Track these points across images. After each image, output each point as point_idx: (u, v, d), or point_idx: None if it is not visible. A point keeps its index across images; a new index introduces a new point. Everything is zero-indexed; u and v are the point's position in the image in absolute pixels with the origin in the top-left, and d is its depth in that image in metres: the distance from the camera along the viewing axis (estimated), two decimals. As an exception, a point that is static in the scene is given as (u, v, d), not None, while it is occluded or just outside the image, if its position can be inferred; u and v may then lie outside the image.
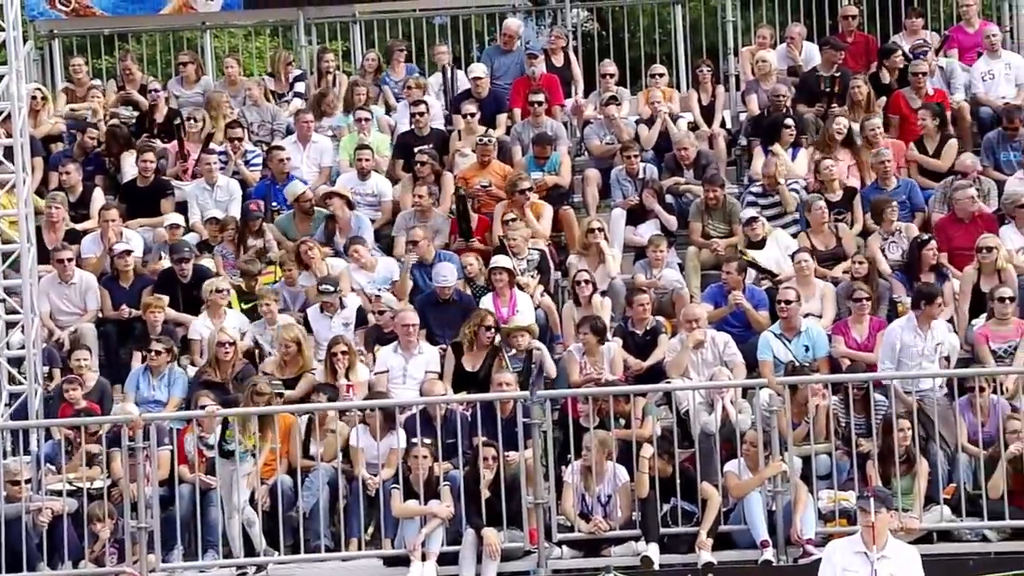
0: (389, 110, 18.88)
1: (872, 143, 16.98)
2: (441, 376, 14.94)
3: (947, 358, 14.36)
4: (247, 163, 18.00)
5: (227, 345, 14.96)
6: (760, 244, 16.13)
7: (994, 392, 13.88)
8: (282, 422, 13.92)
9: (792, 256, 15.81)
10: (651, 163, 17.55)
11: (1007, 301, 14.74)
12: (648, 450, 13.35)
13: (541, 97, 18.02)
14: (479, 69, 18.69)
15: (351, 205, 16.91)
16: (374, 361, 15.25)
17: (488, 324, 14.91)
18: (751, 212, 16.40)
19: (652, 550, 13.16)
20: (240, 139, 18.01)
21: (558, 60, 19.09)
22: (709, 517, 13.26)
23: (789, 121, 17.32)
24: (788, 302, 14.81)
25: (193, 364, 15.45)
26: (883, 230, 16.07)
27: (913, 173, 17.14)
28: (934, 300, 14.47)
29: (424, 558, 13.28)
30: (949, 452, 13.74)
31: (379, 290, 16.00)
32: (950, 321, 14.99)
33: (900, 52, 18.21)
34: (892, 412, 13.56)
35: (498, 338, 14.95)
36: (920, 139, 17.25)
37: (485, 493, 13.39)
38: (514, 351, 14.85)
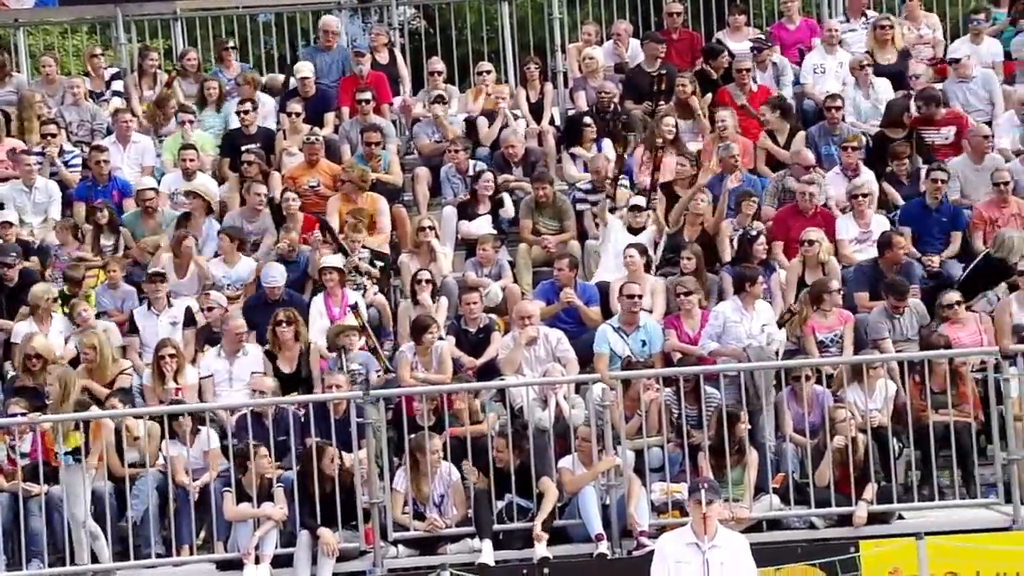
0: (219, 107, 18.58)
1: (722, 137, 17.17)
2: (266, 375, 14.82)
3: (775, 350, 14.58)
4: (67, 164, 17.59)
5: (33, 358, 14.65)
6: (639, 231, 16.18)
7: (818, 383, 14.12)
8: (100, 430, 13.67)
9: (624, 252, 15.92)
10: (483, 160, 17.55)
11: (835, 293, 14.98)
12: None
13: (368, 95, 17.90)
14: (305, 68, 18.50)
15: (211, 207, 16.65)
16: (205, 362, 15.11)
17: (280, 319, 14.84)
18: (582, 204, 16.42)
19: (486, 547, 13.16)
20: (54, 136, 17.57)
21: (383, 58, 18.98)
22: (544, 511, 13.29)
23: (588, 120, 17.41)
24: (631, 297, 14.89)
25: (15, 370, 15.10)
26: (737, 222, 16.25)
27: (759, 166, 17.36)
28: (756, 281, 14.73)
29: (258, 561, 13.15)
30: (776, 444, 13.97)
31: (235, 288, 15.86)
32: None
33: (725, 51, 18.46)
34: (723, 404, 13.73)
35: (315, 339, 14.85)
36: (771, 133, 17.48)
37: (321, 493, 13.29)
38: (345, 350, 14.74)
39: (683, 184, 16.51)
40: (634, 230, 16.15)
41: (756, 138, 17.49)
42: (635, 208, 16.23)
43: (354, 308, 14.97)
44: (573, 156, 17.57)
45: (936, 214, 16.19)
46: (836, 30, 18.67)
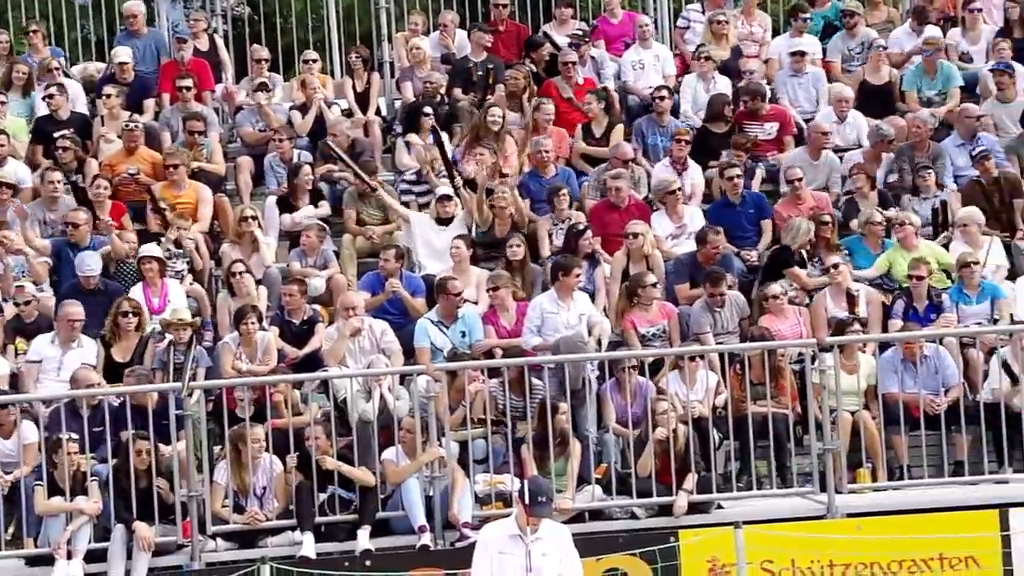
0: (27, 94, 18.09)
1: (538, 130, 17.20)
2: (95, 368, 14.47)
3: (597, 339, 14.68)
4: None
5: None
6: (448, 221, 16.08)
7: (641, 375, 14.22)
8: None
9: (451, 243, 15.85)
10: (305, 150, 17.37)
11: (652, 287, 15.11)
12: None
13: (189, 82, 17.64)
14: (123, 53, 18.12)
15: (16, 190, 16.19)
16: (16, 354, 14.66)
17: (125, 310, 14.55)
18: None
19: (308, 539, 13.02)
20: None
21: (204, 45, 18.68)
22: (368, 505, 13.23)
23: (428, 109, 17.37)
24: (456, 294, 14.85)
25: None
26: (554, 216, 16.28)
27: (575, 159, 17.42)
28: (571, 272, 14.80)
29: (70, 556, 12.82)
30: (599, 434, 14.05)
31: (22, 275, 15.41)
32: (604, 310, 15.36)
33: (548, 43, 18.51)
34: (547, 395, 13.76)
35: (149, 328, 14.57)
36: (588, 125, 17.55)
37: (137, 486, 13.02)
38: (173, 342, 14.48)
39: (491, 175, 16.51)
40: (443, 220, 16.08)
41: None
42: (443, 198, 16.18)
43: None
44: (408, 145, 17.41)
45: (741, 208, 16.39)
46: (647, 25, 18.84)
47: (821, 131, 17.20)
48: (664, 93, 17.60)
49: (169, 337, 14.42)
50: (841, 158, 17.27)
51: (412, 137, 17.35)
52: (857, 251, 15.96)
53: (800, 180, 16.53)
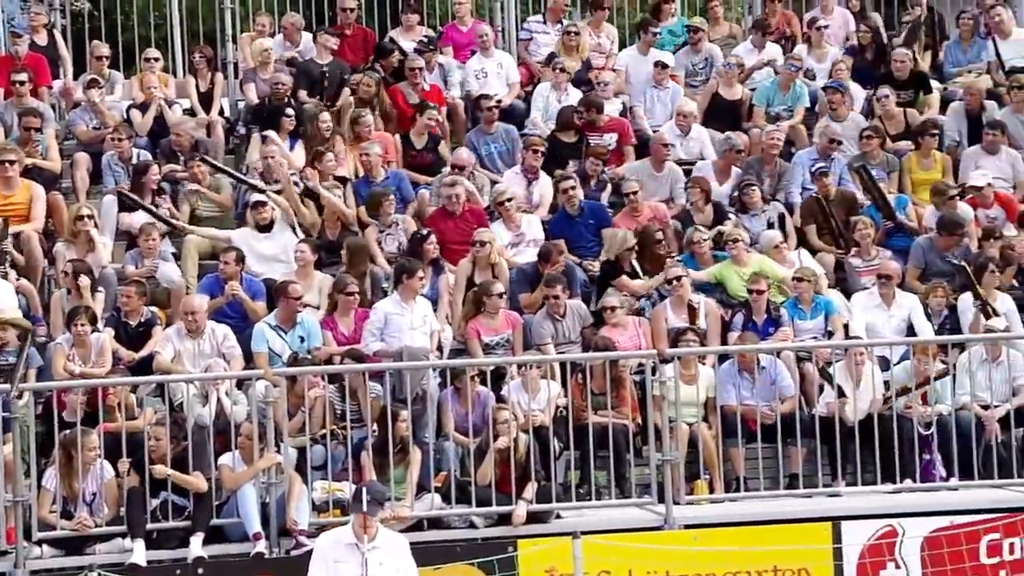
0: None
1: (361, 137, 17.09)
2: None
3: (437, 345, 14.65)
4: None
5: None
6: (268, 227, 15.89)
7: (483, 384, 14.18)
8: None
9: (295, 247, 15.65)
10: (145, 149, 17.06)
11: (499, 296, 15.09)
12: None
13: (24, 76, 17.23)
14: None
15: None
16: None
17: None
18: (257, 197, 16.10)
19: (138, 547, 12.75)
20: None
21: (41, 39, 18.29)
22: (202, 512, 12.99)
23: (290, 111, 17.19)
24: (297, 298, 14.68)
25: None
26: (380, 222, 16.17)
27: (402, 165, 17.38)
28: (414, 274, 14.75)
29: None
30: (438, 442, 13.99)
31: None
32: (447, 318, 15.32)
33: (396, 50, 18.43)
34: (387, 402, 13.66)
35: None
36: (407, 135, 17.49)
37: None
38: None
39: (324, 178, 16.40)
40: (262, 227, 15.86)
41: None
42: (257, 205, 15.92)
43: None
44: (264, 139, 16.97)
45: (580, 219, 16.44)
46: (487, 35, 18.85)
47: (663, 143, 17.34)
48: (490, 103, 17.61)
49: None
50: (689, 171, 17.42)
51: (272, 134, 17.05)
52: (690, 265, 16.11)
53: (636, 193, 16.63)
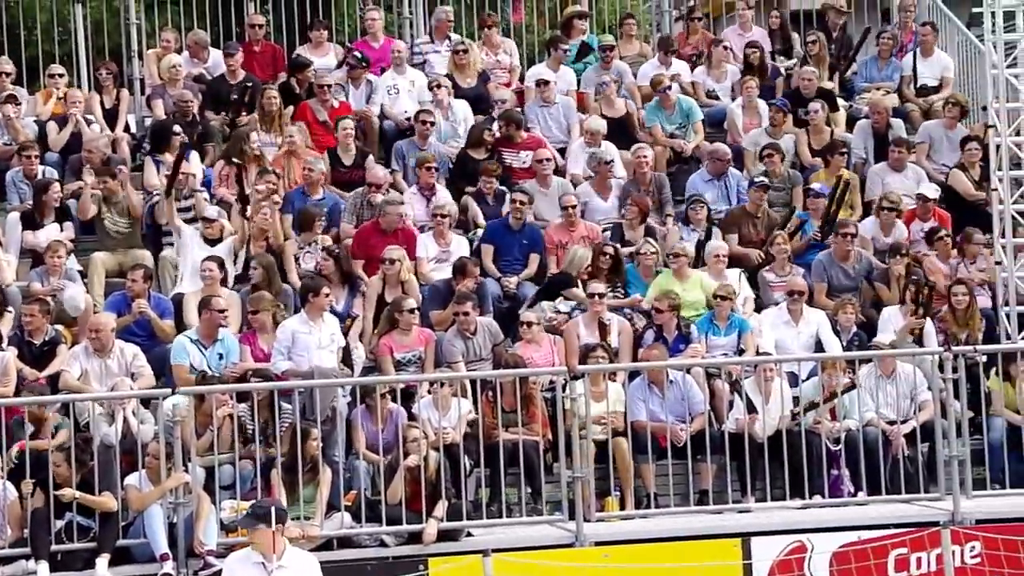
0: None
1: (297, 155, 16.99)
2: None
3: (351, 366, 14.58)
4: None
5: None
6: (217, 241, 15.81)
7: (394, 401, 14.13)
8: None
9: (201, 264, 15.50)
10: (53, 166, 16.87)
11: (410, 312, 15.05)
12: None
13: (-75, 93, 17.04)
14: None
15: None
16: None
17: None
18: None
19: (42, 569, 12.56)
20: None
21: (-58, 55, 18.08)
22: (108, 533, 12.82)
23: (177, 128, 17.04)
24: (220, 311, 14.58)
25: None
26: (303, 240, 16.08)
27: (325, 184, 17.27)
28: (319, 292, 14.69)
29: None
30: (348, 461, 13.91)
31: None
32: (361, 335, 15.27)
33: (311, 65, 18.36)
34: (297, 420, 13.57)
35: None
36: (334, 151, 17.43)
37: None
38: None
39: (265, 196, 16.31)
40: (209, 241, 15.81)
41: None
42: (206, 220, 15.92)
43: None
44: (158, 163, 17.01)
45: (518, 235, 16.53)
46: (401, 51, 18.81)
47: (538, 159, 17.28)
48: (427, 117, 17.60)
49: None
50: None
51: (161, 157, 16.94)
52: (632, 276, 16.25)
53: (575, 207, 16.69)
